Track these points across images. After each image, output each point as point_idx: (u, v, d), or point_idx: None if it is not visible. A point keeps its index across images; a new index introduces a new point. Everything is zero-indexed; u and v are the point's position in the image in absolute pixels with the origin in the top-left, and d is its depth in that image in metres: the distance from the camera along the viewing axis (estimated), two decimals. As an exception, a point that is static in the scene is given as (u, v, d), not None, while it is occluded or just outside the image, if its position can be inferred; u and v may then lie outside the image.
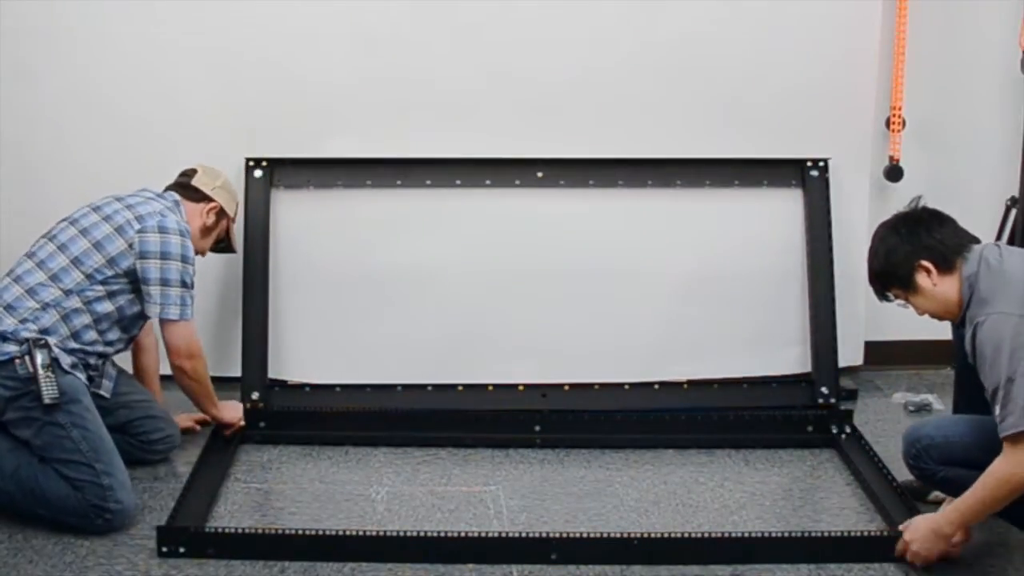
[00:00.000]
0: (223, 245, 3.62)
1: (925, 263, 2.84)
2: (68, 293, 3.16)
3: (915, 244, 2.86)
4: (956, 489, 2.87)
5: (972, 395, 2.96)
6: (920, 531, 2.89)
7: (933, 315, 2.93)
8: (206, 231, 3.48)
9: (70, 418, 3.05)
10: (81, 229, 3.23)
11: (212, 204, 3.47)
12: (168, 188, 3.48)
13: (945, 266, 2.84)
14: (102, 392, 3.30)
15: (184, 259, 3.25)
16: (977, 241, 2.90)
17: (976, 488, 2.77)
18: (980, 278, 2.78)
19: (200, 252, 3.48)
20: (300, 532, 2.99)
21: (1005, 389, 2.67)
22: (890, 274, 2.91)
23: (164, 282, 3.22)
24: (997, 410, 2.69)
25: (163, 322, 3.27)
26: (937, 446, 2.97)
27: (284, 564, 2.93)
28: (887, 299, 2.98)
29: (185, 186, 3.47)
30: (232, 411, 3.58)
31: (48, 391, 3.01)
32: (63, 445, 3.04)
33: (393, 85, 3.91)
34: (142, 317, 3.31)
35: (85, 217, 3.27)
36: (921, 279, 2.86)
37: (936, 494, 3.15)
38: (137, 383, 3.54)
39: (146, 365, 3.65)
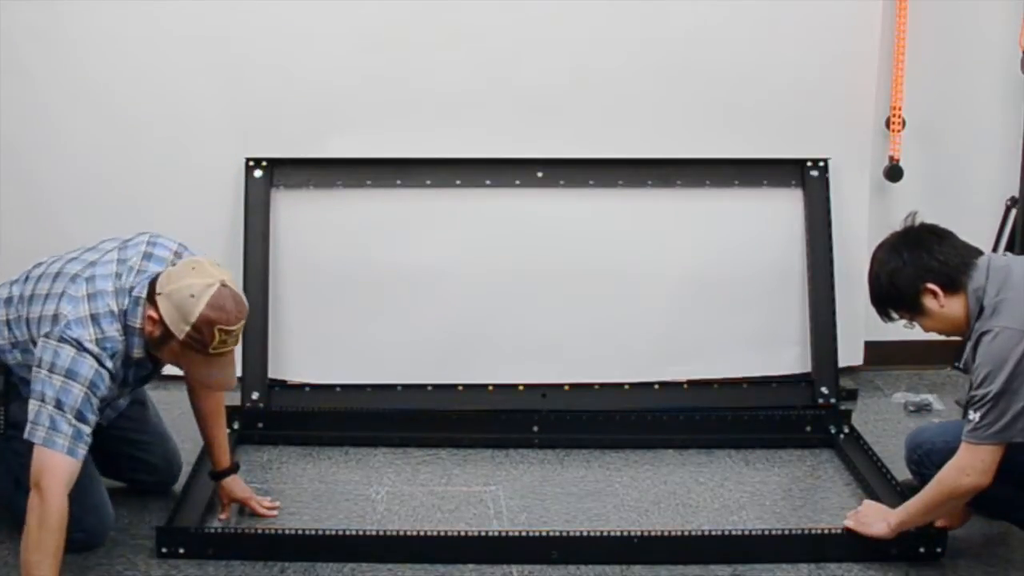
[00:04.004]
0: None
1: (931, 286, 2.80)
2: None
3: (919, 266, 2.80)
4: None
5: None
6: (872, 510, 3.03)
7: (940, 333, 2.90)
8: (153, 343, 2.76)
9: (28, 446, 2.70)
10: (29, 295, 2.86)
11: (151, 312, 2.73)
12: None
13: (952, 287, 2.79)
14: (100, 421, 2.97)
15: (71, 375, 2.66)
16: (980, 253, 2.86)
17: (923, 492, 2.86)
18: (987, 291, 2.76)
19: (163, 361, 2.88)
20: (300, 532, 2.99)
21: (995, 400, 2.69)
22: (895, 298, 2.85)
23: (40, 396, 2.67)
24: (976, 415, 2.72)
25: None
26: (939, 451, 2.97)
27: (284, 564, 2.93)
28: (891, 320, 2.93)
29: (156, 277, 2.78)
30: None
31: None
32: (26, 474, 2.71)
33: (393, 85, 3.91)
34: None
35: (40, 282, 2.86)
36: (928, 301, 2.81)
37: None
38: (148, 422, 3.24)
39: (200, 406, 3.14)
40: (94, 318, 2.73)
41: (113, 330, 2.74)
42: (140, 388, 3.21)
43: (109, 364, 2.72)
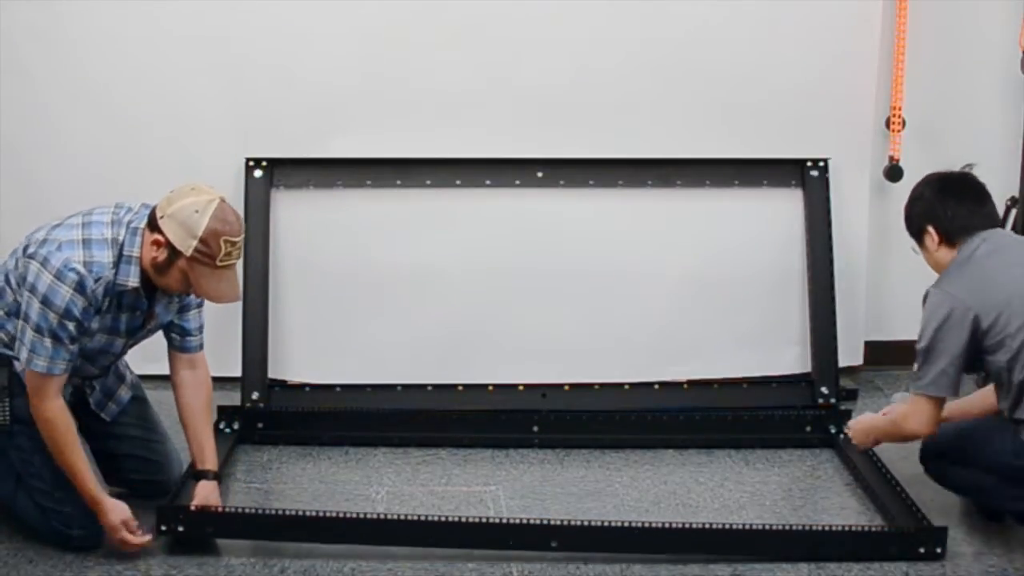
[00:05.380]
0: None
1: (931, 229, 3.02)
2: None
3: (929, 210, 3.04)
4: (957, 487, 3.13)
5: None
6: (861, 423, 3.27)
7: (930, 267, 3.12)
8: (158, 268, 2.84)
9: (32, 443, 2.91)
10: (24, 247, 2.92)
11: (156, 236, 2.81)
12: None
13: (948, 240, 3.01)
14: (103, 415, 3.13)
15: (46, 303, 2.77)
16: (994, 226, 3.03)
17: (885, 418, 3.17)
18: (966, 257, 2.95)
19: (165, 289, 2.92)
20: (299, 513, 2.98)
21: (923, 355, 2.93)
22: (907, 221, 3.12)
23: (25, 317, 2.82)
24: (916, 368, 2.96)
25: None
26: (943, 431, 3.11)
27: (284, 564, 2.93)
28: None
29: (154, 208, 2.87)
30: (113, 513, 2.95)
31: None
32: (27, 470, 2.95)
33: (393, 85, 3.91)
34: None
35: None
36: (927, 240, 3.05)
37: None
38: (151, 419, 3.25)
39: (186, 403, 3.11)
40: (85, 242, 2.83)
41: (103, 256, 2.83)
42: (139, 386, 3.25)
43: (90, 286, 2.79)
